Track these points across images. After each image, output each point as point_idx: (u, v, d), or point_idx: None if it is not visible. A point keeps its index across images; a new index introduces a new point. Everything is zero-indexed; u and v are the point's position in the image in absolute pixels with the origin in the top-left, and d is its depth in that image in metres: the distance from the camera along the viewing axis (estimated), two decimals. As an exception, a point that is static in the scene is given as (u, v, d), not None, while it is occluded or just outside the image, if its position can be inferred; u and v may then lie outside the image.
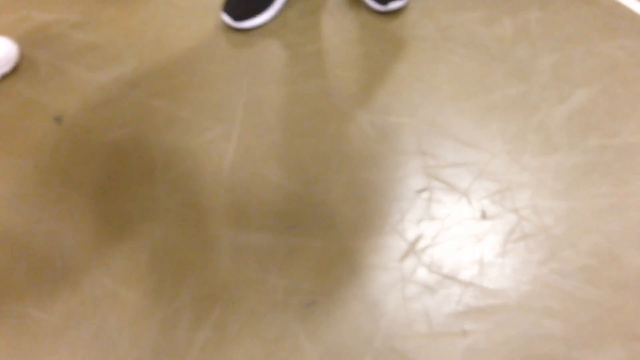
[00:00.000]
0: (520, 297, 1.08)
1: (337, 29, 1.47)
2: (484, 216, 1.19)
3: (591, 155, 1.26)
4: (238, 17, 1.44)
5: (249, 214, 1.18)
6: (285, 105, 1.34)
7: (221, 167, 1.24)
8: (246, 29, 1.47)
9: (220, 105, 1.34)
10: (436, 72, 1.39)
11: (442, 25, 1.46)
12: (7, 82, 1.38)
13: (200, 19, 1.49)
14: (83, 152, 1.28)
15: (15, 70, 1.40)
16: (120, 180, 1.23)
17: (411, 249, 1.13)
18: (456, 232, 1.16)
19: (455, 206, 1.20)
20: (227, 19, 1.44)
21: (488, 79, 1.38)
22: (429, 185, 1.23)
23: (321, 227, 1.16)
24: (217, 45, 1.44)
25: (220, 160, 1.25)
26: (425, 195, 1.21)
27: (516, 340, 1.03)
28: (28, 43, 1.44)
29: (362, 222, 1.17)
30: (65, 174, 1.25)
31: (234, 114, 1.33)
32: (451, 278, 1.10)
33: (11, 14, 1.50)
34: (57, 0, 1.53)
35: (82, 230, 1.16)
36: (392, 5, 1.46)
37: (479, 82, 1.37)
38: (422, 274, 1.11)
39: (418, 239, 1.15)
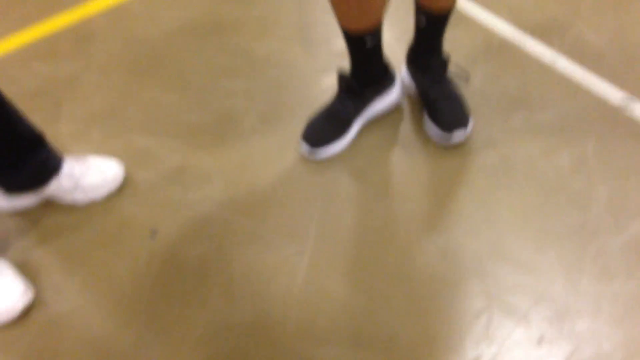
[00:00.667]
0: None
1: (405, 157, 1.60)
2: (542, 340, 1.24)
3: (648, 285, 1.31)
4: (315, 145, 1.60)
5: (316, 328, 1.28)
6: (355, 226, 1.46)
7: (294, 282, 1.36)
8: (322, 156, 1.62)
9: (296, 225, 1.48)
10: (497, 199, 1.49)
11: (502, 155, 1.58)
12: (111, 199, 1.57)
13: (281, 146, 1.66)
14: (173, 263, 1.43)
15: (119, 189, 1.59)
16: (201, 291, 1.37)
17: (470, 368, 1.20)
18: (515, 355, 1.22)
19: (514, 329, 1.26)
20: (305, 146, 1.61)
21: (547, 207, 1.47)
22: (489, 306, 1.30)
23: (384, 343, 1.24)
24: (294, 170, 1.60)
25: (293, 276, 1.38)
26: (484, 316, 1.28)
27: None
28: (131, 164, 1.65)
29: (423, 340, 1.25)
30: (156, 283, 1.39)
31: (308, 233, 1.46)
32: (508, 400, 1.15)
33: (118, 138, 1.72)
34: (157, 127, 1.74)
35: (166, 335, 1.29)
36: (456, 133, 1.58)
37: (538, 210, 1.46)
38: (479, 394, 1.16)
39: None
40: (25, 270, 1.43)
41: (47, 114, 1.79)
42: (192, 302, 1.35)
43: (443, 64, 1.63)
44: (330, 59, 1.88)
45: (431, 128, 1.63)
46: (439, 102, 1.63)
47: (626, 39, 1.84)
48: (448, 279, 1.35)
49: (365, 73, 1.60)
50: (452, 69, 1.68)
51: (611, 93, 1.70)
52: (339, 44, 1.92)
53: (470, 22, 1.92)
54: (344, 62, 1.83)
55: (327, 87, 1.79)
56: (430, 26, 1.55)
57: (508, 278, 1.35)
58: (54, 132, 1.74)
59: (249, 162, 1.64)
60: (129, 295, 1.38)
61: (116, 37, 2.02)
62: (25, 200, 1.55)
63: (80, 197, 1.56)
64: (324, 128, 1.63)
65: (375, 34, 1.48)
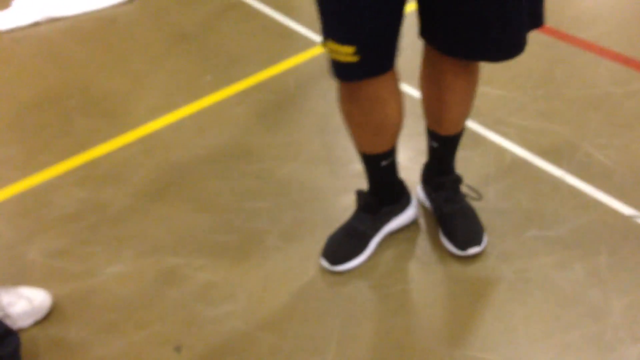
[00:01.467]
0: None
1: (422, 271, 1.66)
2: None
3: (670, 397, 1.30)
4: (335, 262, 1.67)
5: None
6: (374, 341, 1.49)
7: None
8: (341, 271, 1.68)
9: (317, 340, 1.52)
10: (513, 312, 1.52)
11: (517, 269, 1.62)
12: (137, 315, 1.64)
13: (302, 263, 1.73)
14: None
15: (148, 307, 1.66)
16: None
17: None
18: None
19: None
20: (325, 263, 1.67)
21: (563, 320, 1.49)
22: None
23: None
24: (315, 286, 1.66)
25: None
26: None
27: None
28: (160, 282, 1.73)
29: None
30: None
31: (328, 348, 1.49)
32: None
33: (149, 257, 1.81)
34: (184, 247, 1.83)
35: None
36: (470, 251, 1.64)
37: (555, 322, 1.49)
38: None
39: None
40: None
41: (82, 236, 1.90)
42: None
43: (455, 182, 1.72)
44: (350, 180, 1.98)
45: (445, 243, 1.69)
46: (453, 219, 1.70)
47: (633, 158, 1.92)
48: (467, 392, 1.36)
49: (382, 191, 1.69)
50: (464, 189, 1.77)
51: (621, 207, 1.76)
52: (358, 166, 2.03)
53: (481, 143, 2.03)
54: (363, 183, 1.93)
55: (347, 206, 1.88)
56: (441, 147, 1.66)
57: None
58: (88, 252, 1.84)
59: (271, 278, 1.70)
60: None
61: (149, 163, 2.16)
62: None
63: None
64: (343, 244, 1.70)
65: (390, 155, 1.59)
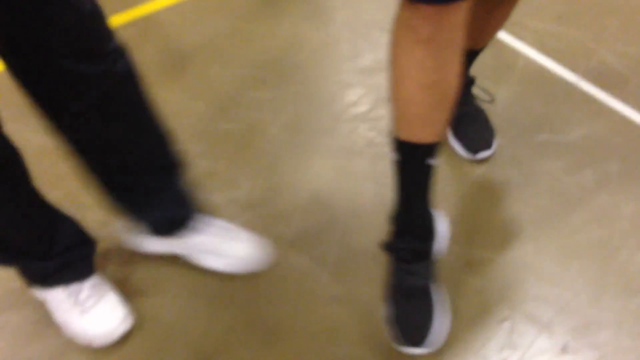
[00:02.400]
0: None
1: None
2: (566, 349, 1.24)
3: (672, 301, 1.30)
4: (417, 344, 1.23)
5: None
6: (374, 234, 1.48)
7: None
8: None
9: (322, 226, 1.49)
10: (520, 213, 1.50)
11: (526, 172, 1.59)
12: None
13: (307, 155, 1.68)
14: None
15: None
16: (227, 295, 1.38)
17: (493, 374, 1.20)
18: (537, 363, 1.21)
19: (538, 337, 1.26)
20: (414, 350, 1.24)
21: (570, 223, 1.47)
22: (512, 315, 1.30)
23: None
24: (319, 178, 1.62)
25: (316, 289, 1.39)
26: (507, 325, 1.28)
27: None
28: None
29: (447, 343, 1.25)
30: (182, 277, 1.41)
31: (333, 237, 1.47)
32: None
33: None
34: (184, 133, 1.77)
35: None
36: (480, 155, 1.60)
37: (561, 225, 1.47)
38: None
39: (500, 365, 1.21)
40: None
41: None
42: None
43: (468, 83, 1.66)
44: (354, 75, 1.91)
45: (456, 146, 1.65)
46: (464, 122, 1.65)
47: (649, 66, 1.87)
48: (470, 289, 1.36)
49: (415, 211, 1.23)
50: (476, 92, 1.71)
51: (635, 116, 1.71)
52: (364, 61, 1.95)
53: (495, 45, 1.96)
54: (369, 78, 1.86)
55: (350, 102, 1.82)
56: (468, 57, 1.54)
57: (530, 289, 1.35)
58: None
59: (274, 169, 1.66)
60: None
61: (147, 46, 2.06)
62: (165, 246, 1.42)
63: (212, 261, 1.42)
64: (414, 315, 1.25)
65: (436, 150, 1.14)
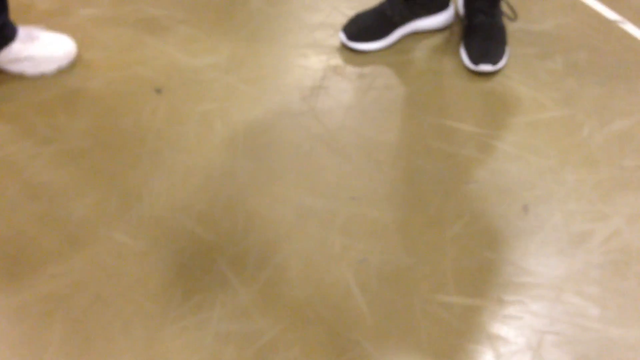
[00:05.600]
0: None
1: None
2: (525, 210, 1.33)
3: (626, 173, 1.40)
4: (353, 38, 1.63)
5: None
6: (357, 124, 1.52)
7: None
8: (356, 49, 1.65)
9: (295, 103, 1.53)
10: (491, 91, 1.56)
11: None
12: (116, 57, 1.60)
13: (286, 27, 1.70)
14: (178, 115, 1.47)
15: (127, 50, 1.62)
16: (206, 146, 1.42)
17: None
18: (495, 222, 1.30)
19: (498, 201, 1.34)
20: (343, 36, 1.64)
21: (537, 102, 1.54)
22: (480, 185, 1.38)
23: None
24: (296, 50, 1.65)
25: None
26: (474, 186, 1.36)
27: None
28: (140, 30, 1.67)
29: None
30: (160, 131, 1.44)
31: (306, 108, 1.52)
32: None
33: (128, 5, 1.74)
34: (166, 0, 1.76)
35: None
36: (482, 67, 1.60)
37: (530, 104, 1.54)
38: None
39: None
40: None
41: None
42: (195, 150, 1.40)
43: None
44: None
45: (462, 55, 1.65)
46: (477, 32, 1.63)
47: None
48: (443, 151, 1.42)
49: None
50: (503, 7, 1.70)
51: (606, 12, 1.78)
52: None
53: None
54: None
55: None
56: None
57: (502, 156, 1.43)
58: (62, -6, 1.75)
59: (255, 38, 1.67)
60: (131, 141, 1.42)
61: None
62: None
63: (28, 67, 1.53)
64: (368, 25, 1.64)
65: None
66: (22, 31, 1.52)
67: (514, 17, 1.70)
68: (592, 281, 1.21)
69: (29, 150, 1.39)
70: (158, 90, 1.54)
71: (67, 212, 1.29)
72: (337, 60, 1.63)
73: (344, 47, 1.66)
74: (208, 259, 1.22)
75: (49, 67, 1.53)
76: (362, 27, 1.64)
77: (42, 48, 1.52)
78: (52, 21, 1.69)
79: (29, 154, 1.39)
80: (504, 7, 1.70)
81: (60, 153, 1.40)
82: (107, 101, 1.51)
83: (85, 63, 1.59)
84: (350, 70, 1.61)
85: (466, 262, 1.24)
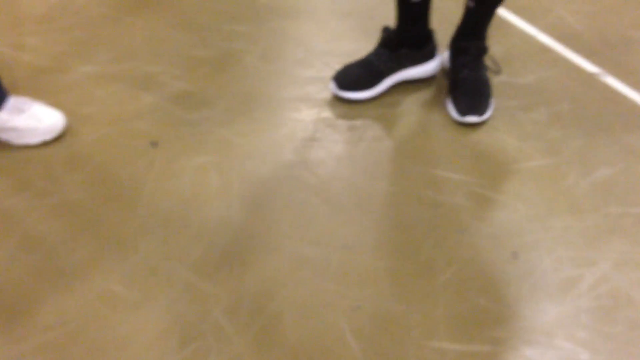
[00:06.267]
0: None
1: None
2: (515, 257, 1.35)
3: (611, 220, 1.43)
4: (343, 87, 1.69)
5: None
6: (347, 165, 1.56)
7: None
8: (346, 98, 1.71)
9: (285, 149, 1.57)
10: (478, 141, 1.61)
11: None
12: (112, 110, 1.64)
13: (280, 82, 1.76)
14: (174, 168, 1.51)
15: (124, 105, 1.67)
16: (201, 197, 1.45)
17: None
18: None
19: (488, 245, 1.37)
20: (333, 86, 1.70)
21: (523, 152, 1.59)
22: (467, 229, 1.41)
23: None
24: (292, 103, 1.70)
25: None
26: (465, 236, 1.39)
27: None
28: (136, 87, 1.72)
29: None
30: (156, 182, 1.47)
31: (303, 156, 1.56)
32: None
33: (124, 63, 1.80)
34: (161, 58, 1.82)
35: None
36: (468, 118, 1.65)
37: (516, 153, 1.59)
38: (457, 290, 1.26)
39: (455, 264, 1.32)
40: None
41: (53, 36, 1.86)
42: (192, 203, 1.43)
43: (480, 49, 1.69)
44: (329, 25, 1.99)
45: (448, 108, 1.70)
46: (463, 85, 1.68)
47: (601, 24, 2.01)
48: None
49: (406, 30, 1.68)
50: (487, 61, 1.76)
51: (586, 65, 1.85)
52: (343, 5, 2.04)
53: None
54: (345, 22, 1.95)
55: (330, 38, 1.90)
56: (476, 7, 1.61)
57: (491, 204, 1.46)
58: (59, 52, 1.80)
59: (249, 92, 1.73)
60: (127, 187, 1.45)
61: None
62: None
63: (13, 137, 1.55)
64: (356, 74, 1.71)
65: None
66: (13, 101, 1.53)
67: (498, 71, 1.77)
68: (582, 326, 1.23)
69: (26, 203, 1.42)
70: (154, 144, 1.57)
71: (63, 263, 1.30)
72: (328, 113, 1.68)
73: (335, 100, 1.71)
74: (203, 308, 1.23)
75: (33, 140, 1.55)
76: (351, 77, 1.71)
77: (28, 120, 1.53)
78: (52, 78, 1.74)
79: (26, 206, 1.41)
80: (488, 62, 1.77)
81: (57, 205, 1.42)
82: (104, 154, 1.54)
83: (83, 118, 1.63)
84: (341, 122, 1.66)
85: (458, 308, 1.26)
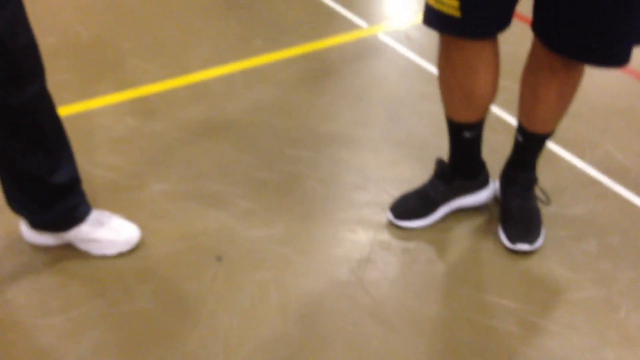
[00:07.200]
0: None
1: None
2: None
3: (666, 354, 1.44)
4: (399, 217, 1.78)
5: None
6: (390, 291, 1.63)
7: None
8: (403, 227, 1.79)
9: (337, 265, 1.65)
10: (529, 269, 1.66)
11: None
12: (182, 228, 1.77)
13: (336, 201, 1.87)
14: (236, 282, 1.60)
15: (192, 221, 1.79)
16: (260, 312, 1.52)
17: None
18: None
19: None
20: (390, 215, 1.79)
21: (574, 282, 1.63)
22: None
23: None
24: (349, 228, 1.80)
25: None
26: None
27: None
28: (204, 203, 1.85)
29: None
30: (219, 295, 1.55)
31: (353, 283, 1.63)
32: None
33: (193, 181, 1.94)
34: (227, 178, 1.97)
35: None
36: (519, 246, 1.71)
37: (567, 283, 1.63)
38: None
39: None
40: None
41: (132, 156, 2.03)
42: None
43: (529, 180, 1.77)
44: (387, 147, 2.12)
45: (500, 236, 1.76)
46: (514, 214, 1.75)
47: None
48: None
49: (460, 162, 1.77)
50: (537, 192, 1.83)
51: (636, 200, 1.90)
52: (397, 135, 2.17)
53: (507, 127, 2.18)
54: (399, 153, 2.08)
55: (381, 164, 2.02)
56: (525, 143, 1.71)
57: (542, 332, 1.49)
58: (138, 170, 1.97)
59: (308, 213, 1.84)
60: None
61: (198, 105, 2.30)
62: (47, 239, 1.67)
63: (93, 248, 1.66)
64: (413, 205, 1.80)
65: (476, 127, 1.66)
66: (94, 214, 1.66)
67: (548, 202, 1.83)
68: None
69: (100, 310, 1.52)
70: (219, 258, 1.68)
71: (129, 370, 1.37)
72: (383, 235, 1.77)
73: (390, 224, 1.80)
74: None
75: (110, 251, 1.66)
76: (408, 207, 1.80)
77: (108, 233, 1.66)
78: (128, 193, 1.89)
79: (100, 314, 1.51)
80: (538, 192, 1.84)
81: (127, 314, 1.51)
82: (172, 267, 1.65)
83: (154, 232, 1.75)
84: (395, 245, 1.74)
85: None
